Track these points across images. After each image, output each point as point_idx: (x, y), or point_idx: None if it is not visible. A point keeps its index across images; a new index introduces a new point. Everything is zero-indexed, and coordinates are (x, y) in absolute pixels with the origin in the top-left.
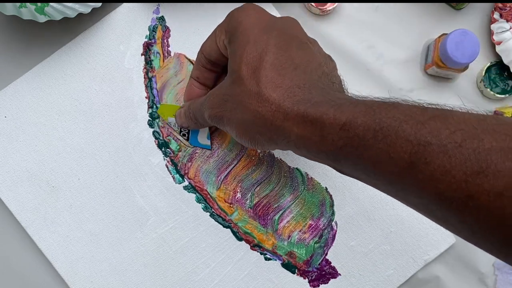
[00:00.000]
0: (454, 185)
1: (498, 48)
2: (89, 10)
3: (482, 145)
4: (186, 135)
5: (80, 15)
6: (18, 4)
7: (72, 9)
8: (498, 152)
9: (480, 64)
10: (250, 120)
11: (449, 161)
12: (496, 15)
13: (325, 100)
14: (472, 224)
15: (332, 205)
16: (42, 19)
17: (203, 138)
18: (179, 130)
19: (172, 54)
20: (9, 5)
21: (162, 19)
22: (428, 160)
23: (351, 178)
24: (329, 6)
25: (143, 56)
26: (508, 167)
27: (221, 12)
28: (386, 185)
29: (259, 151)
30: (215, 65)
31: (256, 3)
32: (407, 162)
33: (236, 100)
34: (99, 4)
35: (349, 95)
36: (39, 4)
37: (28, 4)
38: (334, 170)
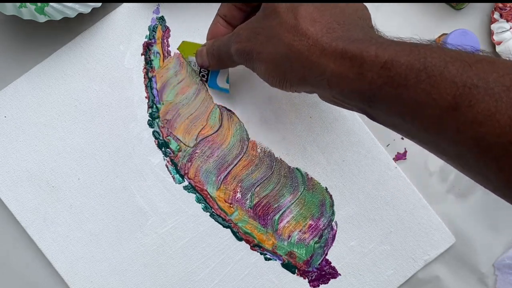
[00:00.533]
0: (497, 129)
1: (498, 48)
2: (89, 10)
3: None
4: (206, 76)
5: (80, 15)
6: (18, 4)
7: (72, 9)
8: None
9: None
10: (283, 54)
11: (495, 105)
12: (496, 15)
13: (366, 38)
14: (510, 174)
15: (332, 205)
16: (42, 19)
17: (222, 80)
18: (198, 70)
19: (172, 54)
20: (9, 5)
21: (162, 19)
22: (473, 103)
23: (353, 177)
24: None
25: (143, 56)
26: None
27: None
28: (420, 131)
29: (259, 150)
30: (245, 3)
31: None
32: (450, 104)
33: (270, 33)
34: (99, 4)
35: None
36: (39, 4)
37: (28, 4)
38: (333, 170)
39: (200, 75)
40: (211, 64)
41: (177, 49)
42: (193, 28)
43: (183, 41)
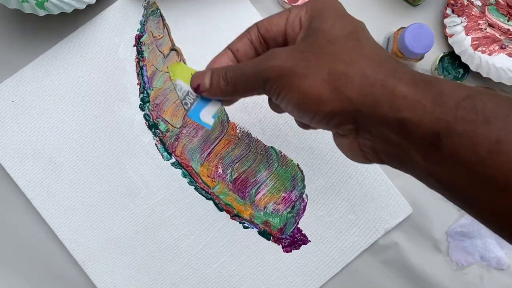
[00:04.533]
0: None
1: (450, 40)
2: (84, 6)
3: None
4: (189, 104)
5: (77, 11)
6: None
7: (69, 5)
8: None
9: (434, 54)
10: (341, 71)
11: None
12: (448, 11)
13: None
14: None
15: (303, 179)
16: (41, 13)
17: (208, 115)
18: (183, 96)
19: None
20: None
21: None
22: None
23: (322, 154)
24: (301, 2)
25: (135, 47)
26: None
27: (211, 8)
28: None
29: (238, 131)
30: (263, 43)
31: None
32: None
33: (325, 49)
34: (93, 1)
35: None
36: None
37: None
38: (304, 148)
39: (183, 102)
40: (216, 92)
41: (168, 68)
42: (180, 21)
43: (177, 62)
